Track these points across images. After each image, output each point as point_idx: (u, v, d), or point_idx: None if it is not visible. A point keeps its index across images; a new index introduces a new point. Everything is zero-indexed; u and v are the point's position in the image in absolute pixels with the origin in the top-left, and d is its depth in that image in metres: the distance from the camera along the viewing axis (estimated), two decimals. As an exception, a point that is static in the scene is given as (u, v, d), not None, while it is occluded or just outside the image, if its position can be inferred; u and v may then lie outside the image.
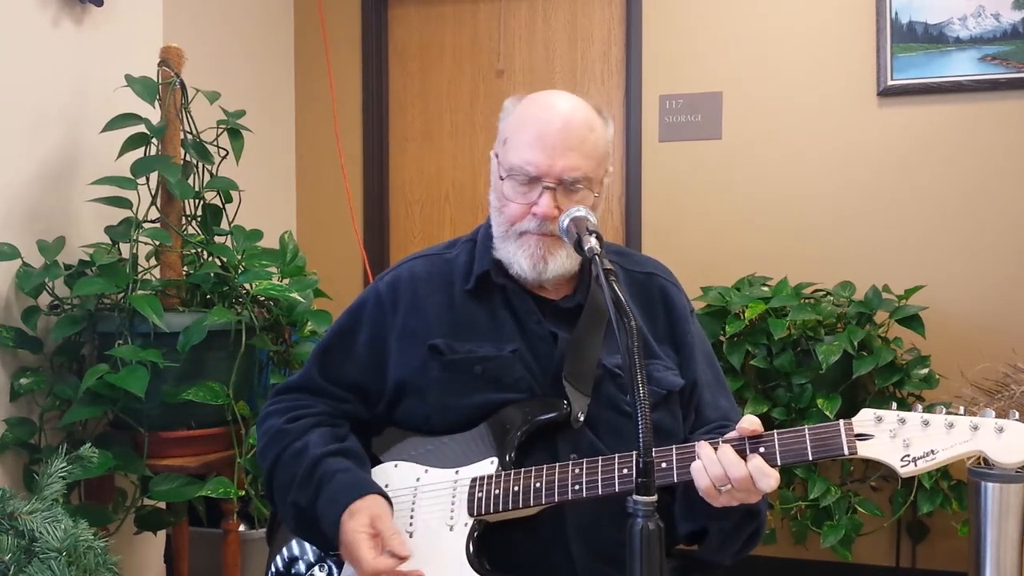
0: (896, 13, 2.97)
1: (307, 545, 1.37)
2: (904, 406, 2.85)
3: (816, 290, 2.91)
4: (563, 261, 1.32)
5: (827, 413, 2.57)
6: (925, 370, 2.67)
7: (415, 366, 1.34)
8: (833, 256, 3.04)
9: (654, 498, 0.97)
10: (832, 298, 2.85)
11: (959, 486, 2.67)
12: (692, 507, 1.21)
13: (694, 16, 3.19)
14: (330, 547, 1.28)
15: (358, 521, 1.20)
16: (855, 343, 2.60)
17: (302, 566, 1.35)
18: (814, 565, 2.96)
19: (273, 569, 1.39)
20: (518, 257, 1.32)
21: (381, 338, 1.38)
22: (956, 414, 1.08)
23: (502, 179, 1.33)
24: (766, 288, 2.84)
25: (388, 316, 1.38)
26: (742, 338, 2.76)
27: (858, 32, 3.02)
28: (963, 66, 2.93)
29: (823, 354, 2.57)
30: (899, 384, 2.67)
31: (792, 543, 2.79)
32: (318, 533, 1.27)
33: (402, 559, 1.17)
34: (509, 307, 1.36)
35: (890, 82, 2.98)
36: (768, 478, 1.10)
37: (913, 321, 2.68)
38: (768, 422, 2.70)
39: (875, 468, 2.84)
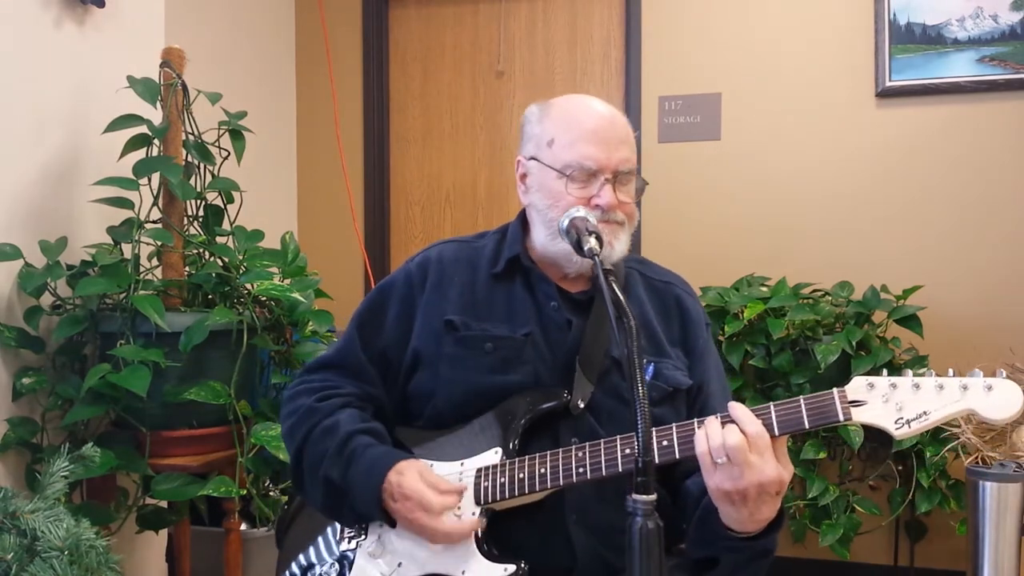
0: (894, 14, 2.98)
1: (319, 547, 1.38)
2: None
3: (814, 290, 2.92)
4: (624, 245, 1.36)
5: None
6: (923, 370, 2.66)
7: (431, 339, 1.38)
8: (831, 256, 3.05)
9: (653, 497, 0.97)
10: (830, 298, 2.86)
11: (957, 485, 2.68)
12: (707, 535, 1.22)
13: (693, 18, 3.20)
14: (358, 520, 1.33)
15: (411, 475, 1.25)
16: (853, 343, 2.62)
17: (316, 565, 1.36)
18: (812, 564, 2.97)
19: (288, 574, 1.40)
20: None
21: (409, 313, 1.42)
22: (945, 376, 1.10)
23: (563, 177, 1.34)
24: (765, 288, 2.85)
25: (416, 293, 1.43)
26: (741, 338, 2.77)
27: (856, 33, 3.03)
28: (961, 67, 2.94)
29: (821, 354, 2.59)
30: (898, 383, 2.68)
31: (791, 542, 2.80)
32: (346, 506, 1.30)
33: (461, 491, 1.26)
34: (530, 290, 1.40)
35: (888, 83, 2.99)
36: (764, 435, 1.10)
37: (911, 321, 2.70)
38: (767, 422, 2.71)
39: (873, 467, 2.85)
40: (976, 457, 2.55)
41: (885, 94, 3.00)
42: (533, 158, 1.39)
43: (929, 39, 2.96)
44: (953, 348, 2.86)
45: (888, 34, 2.98)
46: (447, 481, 1.27)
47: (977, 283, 2.95)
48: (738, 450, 1.09)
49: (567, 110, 1.39)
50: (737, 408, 1.14)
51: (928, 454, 2.64)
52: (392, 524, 1.29)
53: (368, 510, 1.28)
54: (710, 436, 1.12)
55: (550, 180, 1.35)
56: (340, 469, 1.30)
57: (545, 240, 1.38)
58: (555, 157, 1.35)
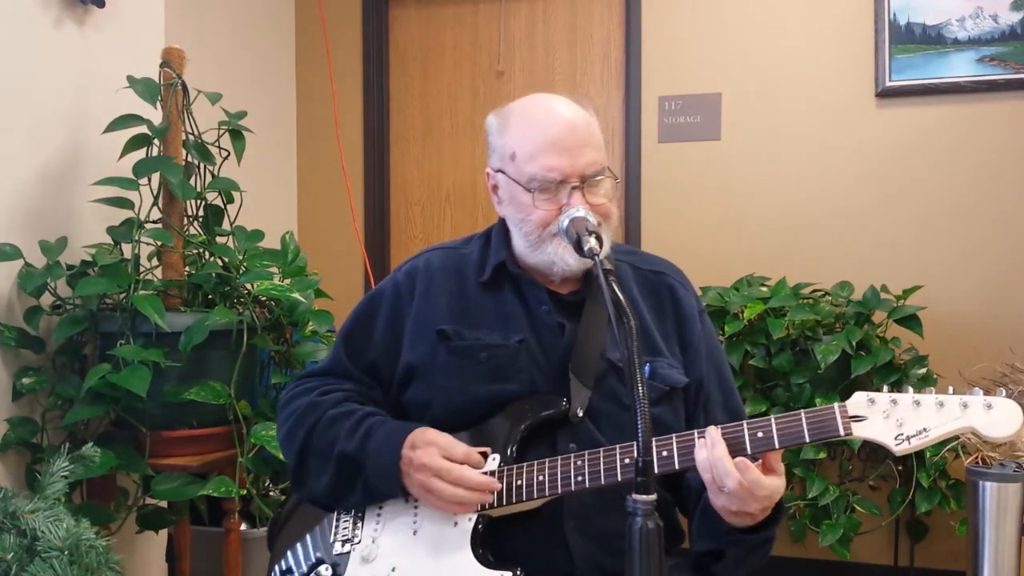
0: (894, 14, 2.98)
1: (310, 548, 1.37)
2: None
3: (814, 290, 2.92)
4: (606, 244, 1.31)
5: (826, 413, 2.58)
6: (923, 370, 2.68)
7: (424, 351, 1.37)
8: (831, 256, 3.05)
9: (653, 497, 0.97)
10: (830, 298, 2.86)
11: (957, 485, 2.68)
12: (711, 528, 1.24)
13: (693, 18, 3.20)
14: (371, 498, 1.32)
15: (440, 435, 1.27)
16: (853, 343, 2.62)
17: (304, 567, 1.35)
18: (812, 564, 2.97)
19: (278, 571, 1.39)
20: (561, 253, 1.32)
21: (398, 323, 1.42)
22: (945, 394, 1.12)
23: (528, 191, 1.32)
24: (765, 288, 2.85)
25: (405, 303, 1.42)
26: (741, 338, 2.77)
27: (856, 33, 3.03)
28: (961, 67, 2.94)
29: (821, 354, 2.59)
30: (897, 384, 2.68)
31: (791, 542, 2.80)
32: (360, 482, 1.30)
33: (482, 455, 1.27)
34: (520, 296, 1.39)
35: (888, 83, 2.99)
36: (763, 489, 1.12)
37: (911, 321, 2.69)
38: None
39: (873, 467, 2.85)
40: (976, 457, 2.55)
41: (885, 94, 3.00)
42: (500, 171, 1.38)
43: (929, 39, 2.96)
44: (953, 348, 2.86)
45: (888, 34, 2.98)
46: (462, 446, 1.27)
47: (977, 283, 2.95)
48: (740, 488, 1.11)
49: (525, 119, 1.35)
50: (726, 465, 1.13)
51: (928, 454, 2.64)
52: (406, 496, 1.30)
53: (385, 484, 1.28)
54: (713, 467, 1.13)
55: (518, 194, 1.33)
56: (358, 443, 1.30)
57: (524, 251, 1.37)
58: (519, 171, 1.33)
